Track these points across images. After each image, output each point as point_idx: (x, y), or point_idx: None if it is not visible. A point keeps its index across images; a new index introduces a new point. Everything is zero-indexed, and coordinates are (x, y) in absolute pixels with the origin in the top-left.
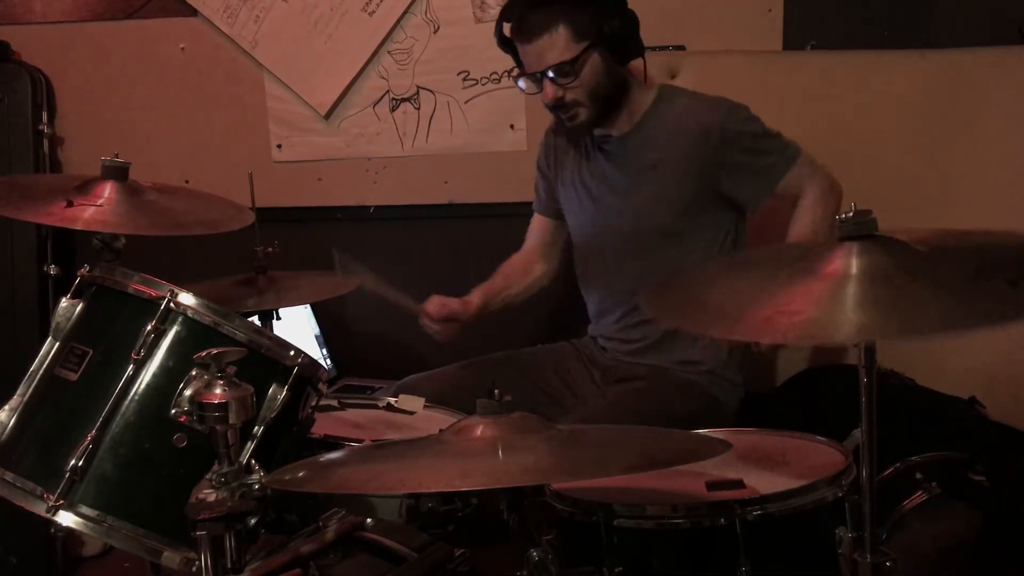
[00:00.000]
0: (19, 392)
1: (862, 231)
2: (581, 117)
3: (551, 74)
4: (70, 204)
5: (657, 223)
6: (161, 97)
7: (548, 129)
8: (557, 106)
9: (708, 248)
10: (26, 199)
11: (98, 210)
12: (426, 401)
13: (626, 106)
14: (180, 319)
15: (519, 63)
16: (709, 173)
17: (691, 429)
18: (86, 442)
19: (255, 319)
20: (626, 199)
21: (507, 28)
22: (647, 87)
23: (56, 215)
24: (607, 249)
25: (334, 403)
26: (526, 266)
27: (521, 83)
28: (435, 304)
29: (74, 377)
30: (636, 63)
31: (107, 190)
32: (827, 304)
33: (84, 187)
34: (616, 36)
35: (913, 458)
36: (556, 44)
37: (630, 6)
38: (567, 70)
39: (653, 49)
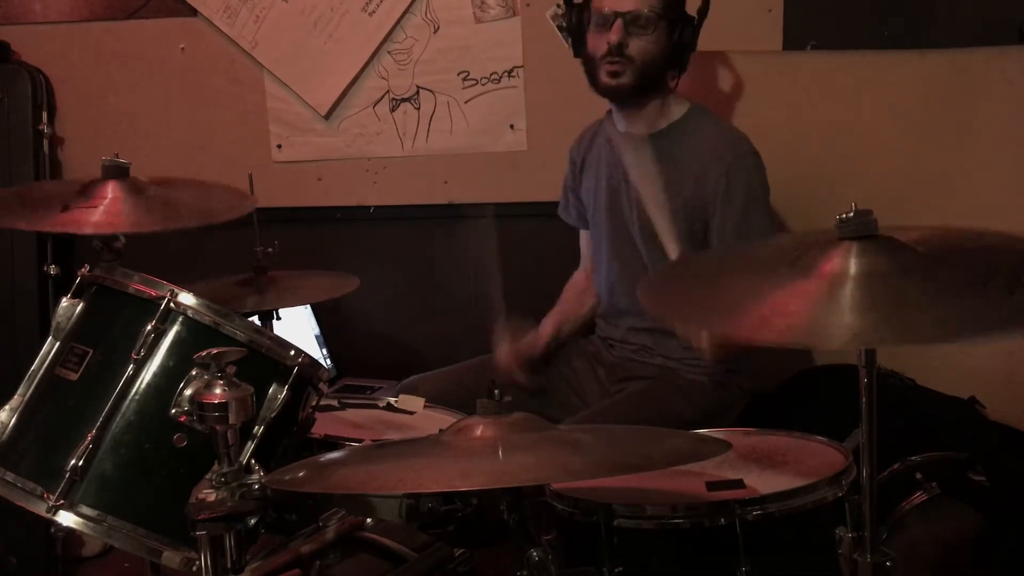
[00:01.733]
0: (19, 392)
1: (862, 231)
2: (625, 78)
3: (629, 17)
4: (65, 208)
5: (660, 228)
6: (161, 97)
7: (572, 145)
8: (615, 50)
9: None
10: (28, 207)
11: (103, 212)
12: (426, 401)
13: (657, 107)
14: (180, 319)
15: (579, 18)
16: (704, 206)
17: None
18: (86, 442)
19: (255, 319)
20: (636, 203)
21: None
22: (677, 98)
23: (56, 221)
24: (615, 244)
25: (334, 403)
26: (586, 285)
27: (590, 23)
28: (505, 359)
29: (74, 377)
30: None
31: (109, 191)
32: (823, 306)
33: (86, 190)
34: (682, 41)
35: (913, 458)
36: None
37: None
38: (644, 22)
39: None
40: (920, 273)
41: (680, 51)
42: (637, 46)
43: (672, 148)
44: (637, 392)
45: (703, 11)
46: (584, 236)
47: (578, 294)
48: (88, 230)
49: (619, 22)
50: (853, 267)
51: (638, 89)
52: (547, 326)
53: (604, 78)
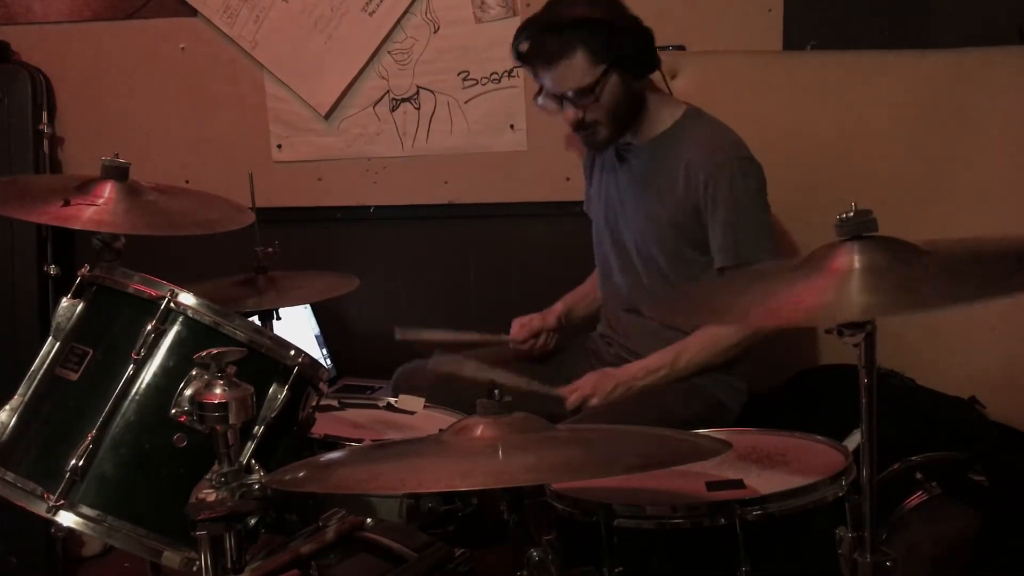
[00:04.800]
0: (20, 392)
1: (863, 231)
2: (601, 136)
3: (571, 96)
4: (67, 203)
5: (655, 237)
6: (161, 97)
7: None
8: (577, 127)
9: (705, 269)
10: (25, 198)
11: (97, 210)
12: (426, 401)
13: (647, 116)
14: (180, 319)
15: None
16: (700, 210)
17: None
18: (86, 442)
19: (255, 319)
20: (633, 208)
21: (524, 46)
22: (673, 101)
23: (52, 214)
24: (615, 254)
25: (334, 403)
26: None
27: (540, 101)
28: (516, 328)
29: (74, 377)
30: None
31: (107, 190)
32: (834, 292)
33: (84, 187)
34: (631, 55)
35: (913, 458)
36: (574, 69)
37: (632, 7)
38: (587, 90)
39: None
40: (920, 260)
41: (640, 62)
42: (595, 110)
43: (665, 154)
44: (634, 394)
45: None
46: None
47: (593, 281)
48: (78, 225)
49: (566, 103)
50: (857, 262)
51: (620, 131)
52: (559, 303)
53: (585, 144)
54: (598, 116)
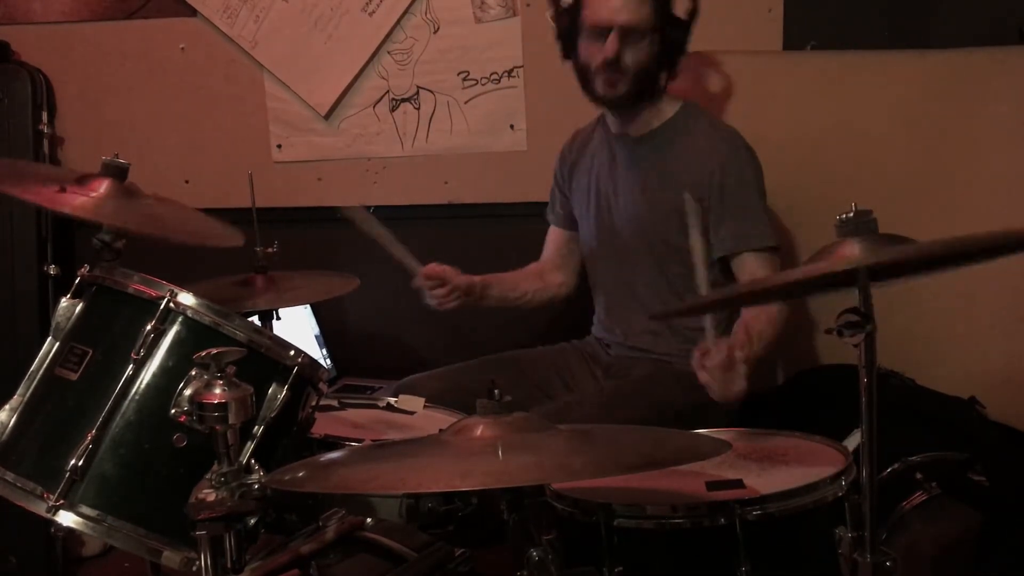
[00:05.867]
0: (19, 392)
1: (863, 231)
2: (621, 88)
3: (624, 29)
4: (63, 190)
5: (654, 232)
6: (161, 97)
7: (565, 143)
8: (611, 64)
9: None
10: (22, 179)
11: (88, 199)
12: (426, 401)
13: (650, 109)
14: (180, 319)
15: (571, 24)
16: (701, 200)
17: (693, 420)
18: (86, 442)
19: (255, 319)
20: (630, 204)
21: None
22: (669, 96)
23: (44, 196)
24: (610, 252)
25: (334, 403)
26: (541, 272)
27: (581, 30)
28: (431, 266)
29: (74, 377)
30: None
31: (103, 186)
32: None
33: (83, 180)
34: (673, 40)
35: (913, 458)
36: (640, 8)
37: None
38: (639, 35)
39: None
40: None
41: (672, 54)
42: (632, 57)
43: (665, 146)
44: (632, 381)
45: (693, 13)
46: (553, 233)
47: (523, 274)
48: (68, 209)
49: (614, 35)
50: (858, 251)
51: (634, 96)
52: (480, 277)
53: (601, 88)
54: (630, 64)
